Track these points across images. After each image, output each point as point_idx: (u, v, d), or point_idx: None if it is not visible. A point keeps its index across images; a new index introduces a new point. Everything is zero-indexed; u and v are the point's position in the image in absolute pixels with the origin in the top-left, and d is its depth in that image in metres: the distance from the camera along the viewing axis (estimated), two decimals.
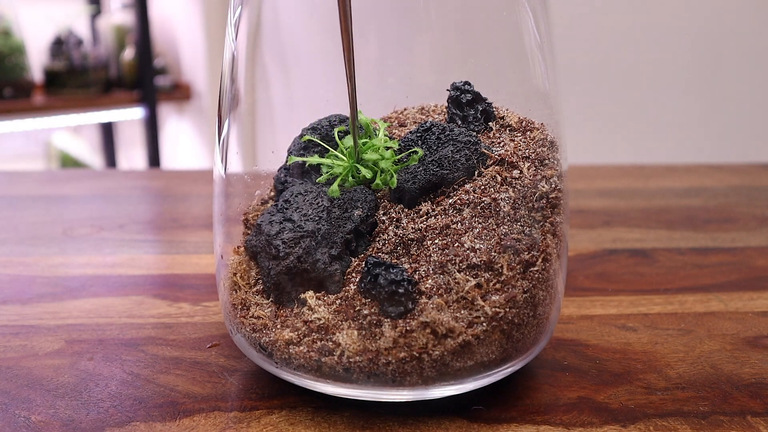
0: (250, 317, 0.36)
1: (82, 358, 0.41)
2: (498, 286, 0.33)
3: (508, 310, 0.33)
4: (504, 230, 0.34)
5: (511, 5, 0.37)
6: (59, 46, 1.98)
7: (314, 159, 0.37)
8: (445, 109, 0.39)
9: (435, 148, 0.36)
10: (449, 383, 0.34)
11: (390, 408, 0.35)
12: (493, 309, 0.33)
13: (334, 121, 0.39)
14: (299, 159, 0.38)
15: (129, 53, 2.08)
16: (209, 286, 0.51)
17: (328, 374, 0.34)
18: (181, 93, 2.21)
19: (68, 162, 2.24)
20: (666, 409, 0.36)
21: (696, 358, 0.41)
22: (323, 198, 0.36)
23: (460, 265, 0.33)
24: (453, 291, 0.33)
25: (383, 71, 0.39)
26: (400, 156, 0.36)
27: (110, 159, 2.34)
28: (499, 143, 0.37)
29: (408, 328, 0.32)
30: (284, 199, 0.36)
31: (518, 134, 0.37)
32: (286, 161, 0.39)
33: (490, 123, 0.38)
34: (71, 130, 2.32)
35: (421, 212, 0.35)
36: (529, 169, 0.35)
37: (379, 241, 0.35)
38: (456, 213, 0.34)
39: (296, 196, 0.36)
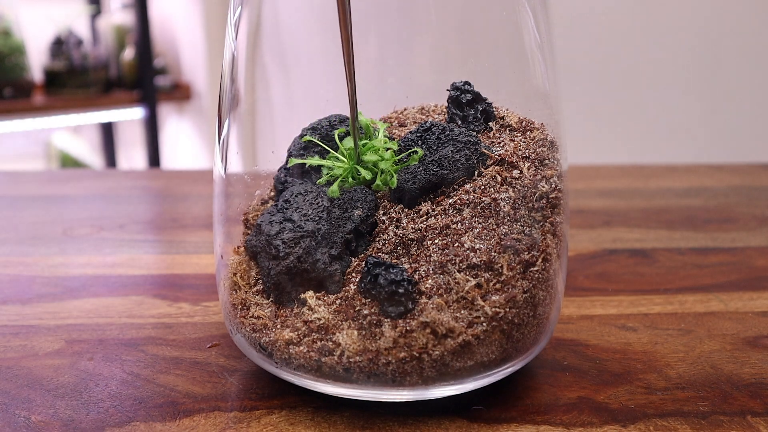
0: (250, 317, 0.36)
1: (82, 358, 0.41)
2: (498, 286, 0.33)
3: (508, 310, 0.33)
4: (504, 230, 0.34)
5: (511, 5, 0.37)
6: (59, 46, 1.98)
7: (315, 160, 0.37)
8: (445, 109, 0.39)
9: (435, 148, 0.36)
10: (449, 383, 0.34)
11: (390, 408, 0.35)
12: (493, 309, 0.33)
13: (334, 121, 0.39)
14: (300, 161, 0.38)
15: (129, 53, 2.08)
16: (209, 286, 0.51)
17: (328, 374, 0.34)
18: (181, 93, 2.21)
19: (68, 162, 2.24)
20: (666, 409, 0.36)
21: (696, 358, 0.41)
22: (323, 198, 0.36)
23: (460, 265, 0.33)
24: (453, 291, 0.33)
25: (383, 71, 0.39)
26: (400, 156, 0.36)
27: (110, 159, 2.34)
28: (499, 143, 0.37)
29: (408, 328, 0.32)
30: (284, 199, 0.36)
31: (518, 134, 0.37)
32: (287, 162, 0.39)
33: (490, 123, 0.38)
34: (71, 130, 2.32)
35: (421, 212, 0.35)
36: (529, 169, 0.35)
37: (379, 241, 0.35)
38: (456, 213, 0.34)
39: (296, 196, 0.36)
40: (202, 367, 0.40)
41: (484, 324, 0.33)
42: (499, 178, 0.35)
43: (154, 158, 2.12)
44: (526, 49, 0.37)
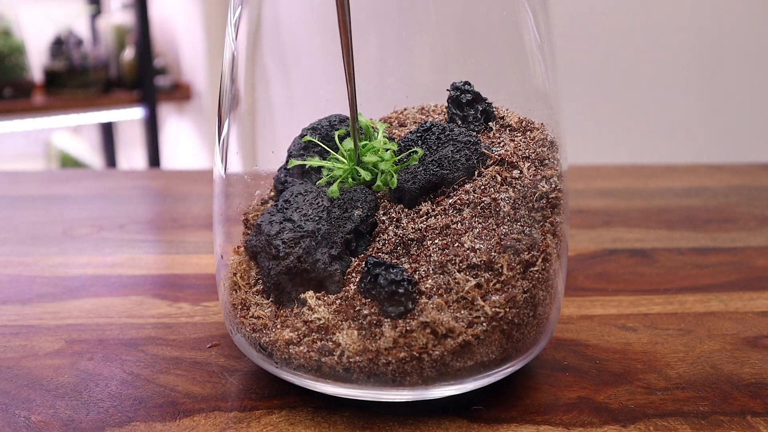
0: (250, 317, 0.36)
1: (82, 358, 0.41)
2: (498, 286, 0.33)
3: (508, 310, 0.33)
4: (504, 230, 0.34)
5: (511, 5, 0.37)
6: (59, 46, 1.98)
7: (315, 162, 0.37)
8: (445, 109, 0.39)
9: (435, 148, 0.36)
10: (449, 383, 0.34)
11: (390, 408, 0.35)
12: (493, 309, 0.33)
13: (334, 121, 0.39)
14: (300, 162, 0.38)
15: (129, 53, 2.08)
16: (209, 286, 0.51)
17: (328, 374, 0.34)
18: (181, 93, 2.21)
19: (68, 162, 2.24)
20: (666, 409, 0.36)
21: (696, 358, 0.41)
22: (323, 198, 0.36)
23: (460, 265, 0.33)
24: (453, 291, 0.33)
25: (383, 71, 0.39)
26: (400, 156, 0.36)
27: (110, 159, 2.34)
28: (499, 143, 0.37)
29: (408, 328, 0.32)
30: (284, 199, 0.36)
31: (518, 134, 0.37)
32: (287, 162, 0.39)
33: (490, 123, 0.38)
34: (71, 130, 2.32)
35: (421, 212, 0.35)
36: (529, 169, 0.35)
37: (379, 241, 0.35)
38: (456, 213, 0.34)
39: (296, 196, 0.36)
40: (202, 367, 0.40)
41: (484, 324, 0.33)
42: (499, 178, 0.35)
43: (154, 158, 2.12)
44: (526, 49, 0.37)
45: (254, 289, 0.36)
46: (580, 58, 1.65)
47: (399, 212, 0.35)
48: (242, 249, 0.38)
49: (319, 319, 0.34)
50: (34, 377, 0.39)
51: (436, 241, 0.34)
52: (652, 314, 0.47)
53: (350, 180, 0.36)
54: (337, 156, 0.37)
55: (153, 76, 2.07)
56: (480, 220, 0.34)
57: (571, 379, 0.38)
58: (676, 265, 0.56)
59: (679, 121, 1.72)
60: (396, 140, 0.38)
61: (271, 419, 0.35)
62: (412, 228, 0.34)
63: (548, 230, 0.35)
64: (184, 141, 2.32)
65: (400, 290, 0.32)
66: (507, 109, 0.38)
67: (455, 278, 0.33)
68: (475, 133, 0.37)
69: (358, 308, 0.33)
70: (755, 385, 0.38)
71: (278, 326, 0.35)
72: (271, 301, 0.36)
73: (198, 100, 2.18)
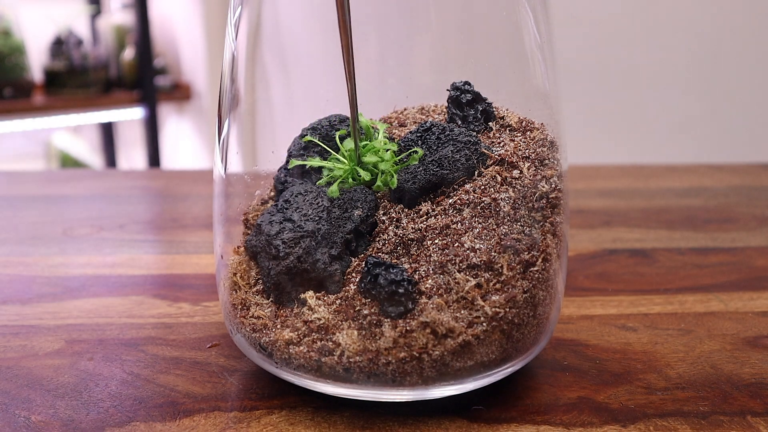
0: (250, 317, 0.36)
1: (82, 358, 0.41)
2: (498, 286, 0.33)
3: (508, 310, 0.33)
4: (504, 230, 0.34)
5: (511, 5, 0.37)
6: (59, 46, 1.98)
7: (315, 162, 0.37)
8: (445, 109, 0.39)
9: (435, 148, 0.36)
10: (449, 383, 0.34)
11: (390, 408, 0.35)
12: (493, 309, 0.33)
13: (334, 121, 0.39)
14: (301, 162, 0.38)
15: (129, 53, 2.08)
16: (209, 286, 0.51)
17: (328, 374, 0.34)
18: (181, 93, 2.21)
19: (68, 162, 2.24)
20: (666, 409, 0.36)
21: (696, 358, 0.41)
22: (323, 198, 0.36)
23: (460, 265, 0.33)
24: (453, 291, 0.33)
25: (383, 71, 0.39)
26: (401, 156, 0.36)
27: (110, 159, 2.34)
28: (499, 143, 0.37)
29: (408, 328, 0.32)
30: (284, 199, 0.36)
31: (518, 134, 0.37)
32: (287, 162, 0.39)
33: (490, 123, 0.38)
34: (71, 130, 2.32)
35: (421, 212, 0.35)
36: (529, 169, 0.35)
37: (379, 241, 0.35)
38: (456, 213, 0.34)
39: (296, 196, 0.36)
40: (202, 367, 0.40)
41: (484, 324, 0.33)
42: (499, 178, 0.35)
43: (154, 158, 2.12)
44: (526, 49, 0.37)
45: (254, 289, 0.36)
46: (580, 58, 1.65)
47: (399, 212, 0.35)
48: (242, 249, 0.38)
49: (319, 319, 0.34)
50: (34, 377, 0.39)
51: (436, 241, 0.34)
52: (652, 314, 0.47)
53: (350, 180, 0.36)
54: (338, 156, 0.37)
55: (153, 76, 2.07)
56: (480, 220, 0.34)
57: (571, 379, 0.38)
58: (676, 265, 0.56)
59: (679, 121, 1.72)
60: (396, 140, 0.38)
61: (271, 419, 0.35)
62: (412, 228, 0.34)
63: (548, 230, 0.35)
64: (184, 141, 2.32)
65: (400, 290, 0.32)
66: (507, 109, 0.38)
67: (455, 278, 0.33)
68: (475, 133, 0.37)
69: (358, 308, 0.33)
70: (755, 385, 0.38)
71: (278, 326, 0.35)
72: (271, 301, 0.36)
73: (198, 100, 2.18)
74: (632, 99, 1.71)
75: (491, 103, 0.38)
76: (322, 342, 0.33)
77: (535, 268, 0.34)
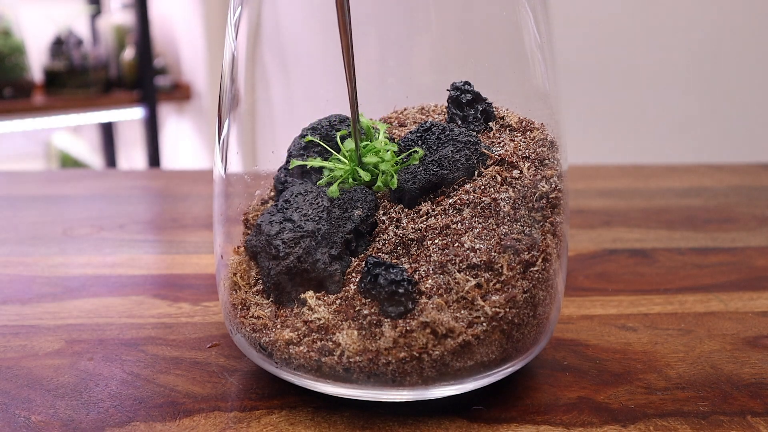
0: (250, 317, 0.36)
1: (82, 358, 0.41)
2: (498, 286, 0.33)
3: (508, 310, 0.33)
4: (504, 230, 0.34)
5: (511, 5, 0.37)
6: (59, 46, 1.98)
7: (316, 162, 0.37)
8: (445, 109, 0.39)
9: (435, 148, 0.36)
10: (449, 383, 0.34)
11: (390, 408, 0.35)
12: (493, 309, 0.33)
13: (334, 121, 0.39)
14: (302, 162, 0.38)
15: (129, 53, 2.08)
16: (209, 286, 0.51)
17: (328, 374, 0.34)
18: (181, 93, 2.21)
19: (68, 162, 2.24)
20: (666, 409, 0.36)
21: (696, 358, 0.41)
22: (323, 198, 0.36)
23: (460, 265, 0.33)
24: (453, 291, 0.33)
25: (383, 71, 0.39)
26: (401, 157, 0.36)
27: (110, 159, 2.34)
28: (499, 143, 0.37)
29: (408, 328, 0.32)
30: (284, 199, 0.36)
31: (518, 134, 0.37)
32: (288, 163, 0.39)
33: (490, 123, 0.38)
34: (71, 130, 2.32)
35: (421, 212, 0.35)
36: (529, 169, 0.35)
37: (379, 241, 0.35)
38: (456, 213, 0.34)
39: (296, 196, 0.36)
40: (202, 367, 0.40)
41: (484, 324, 0.33)
42: (499, 178, 0.35)
43: (154, 158, 2.12)
44: (526, 49, 0.37)
45: (254, 289, 0.36)
46: (580, 58, 1.65)
47: (399, 212, 0.35)
48: (242, 249, 0.38)
49: (319, 319, 0.34)
50: (34, 377, 0.39)
51: (436, 241, 0.34)
52: (652, 314, 0.47)
53: (350, 180, 0.36)
54: (339, 156, 0.37)
55: (153, 76, 2.07)
56: (480, 220, 0.34)
57: (571, 379, 0.38)
58: (676, 265, 0.56)
59: (679, 121, 1.72)
60: (396, 140, 0.38)
61: (271, 419, 0.35)
62: (412, 228, 0.34)
63: (548, 230, 0.35)
64: (184, 141, 2.32)
65: (400, 290, 0.32)
66: (507, 109, 0.38)
67: (455, 278, 0.33)
68: (475, 133, 0.37)
69: (358, 308, 0.33)
70: (755, 385, 0.38)
71: (278, 326, 0.35)
72: (271, 301, 0.36)
73: (198, 100, 2.18)
74: (632, 99, 1.71)
75: (491, 103, 0.38)
76: (322, 342, 0.33)
77: (535, 268, 0.34)
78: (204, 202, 0.75)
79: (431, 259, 0.33)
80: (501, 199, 0.34)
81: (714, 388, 0.38)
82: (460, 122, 0.37)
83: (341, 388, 0.34)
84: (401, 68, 0.39)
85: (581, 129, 1.63)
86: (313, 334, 0.34)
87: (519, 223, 0.34)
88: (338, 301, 0.34)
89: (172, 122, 2.37)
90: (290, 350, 0.34)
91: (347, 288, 0.34)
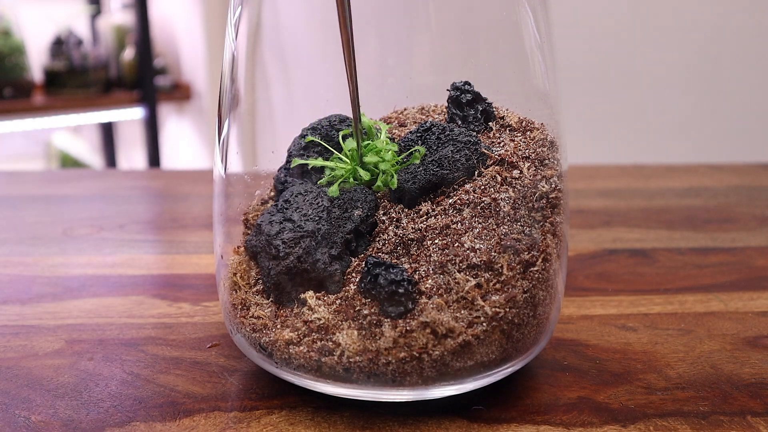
0: (250, 317, 0.36)
1: (82, 358, 0.41)
2: (498, 286, 0.33)
3: (508, 310, 0.33)
4: (504, 230, 0.34)
5: (511, 5, 0.37)
6: (59, 46, 1.98)
7: (318, 162, 0.37)
8: (445, 109, 0.39)
9: (435, 148, 0.36)
10: (449, 383, 0.34)
11: (390, 408, 0.35)
12: (493, 309, 0.33)
13: (335, 121, 0.39)
14: (303, 162, 0.38)
15: (129, 53, 2.08)
16: (209, 286, 0.51)
17: (328, 374, 0.34)
18: (181, 93, 2.21)
19: (68, 162, 2.24)
20: (666, 409, 0.36)
21: (696, 358, 0.41)
22: (323, 198, 0.36)
23: (460, 265, 0.33)
24: (453, 291, 0.33)
25: (383, 71, 0.39)
26: (401, 157, 0.36)
27: (110, 159, 2.34)
28: (499, 143, 0.37)
29: (408, 328, 0.32)
30: (284, 199, 0.36)
31: (518, 134, 0.37)
32: (289, 163, 0.39)
33: (490, 123, 0.38)
34: (71, 130, 2.32)
35: (421, 212, 0.35)
36: (529, 169, 0.35)
37: (379, 241, 0.35)
38: (456, 213, 0.34)
39: (296, 196, 0.36)
40: (202, 367, 0.40)
41: (484, 324, 0.33)
42: (499, 178, 0.35)
43: (154, 158, 2.12)
44: (526, 49, 0.37)
45: (254, 289, 0.36)
46: (580, 58, 1.65)
47: (399, 212, 0.35)
48: (242, 249, 0.38)
49: (319, 319, 0.34)
50: (34, 377, 0.39)
51: (436, 241, 0.34)
52: (652, 314, 0.47)
53: (351, 180, 0.36)
54: (340, 156, 0.37)
55: (153, 76, 2.07)
56: (480, 220, 0.34)
57: (571, 379, 0.38)
58: (676, 265, 0.56)
59: (679, 121, 1.72)
60: (396, 140, 0.38)
61: (271, 419, 0.35)
62: (412, 228, 0.34)
63: (548, 230, 0.35)
64: (184, 141, 2.32)
65: (400, 290, 0.32)
66: (507, 109, 0.38)
67: (455, 278, 0.33)
68: (475, 133, 0.37)
69: (358, 308, 0.33)
70: (755, 385, 0.38)
71: (278, 326, 0.35)
72: (271, 301, 0.36)
73: (198, 100, 2.18)
74: (632, 99, 1.71)
75: (491, 103, 0.38)
76: (322, 342, 0.33)
77: (535, 268, 0.34)
78: (204, 202, 0.75)
79: (431, 259, 0.33)
80: (501, 199, 0.34)
81: (714, 388, 0.38)
82: (460, 122, 0.37)
83: (341, 388, 0.34)
84: (401, 68, 0.39)
85: (581, 129, 1.63)
86: (313, 334, 0.34)
87: (519, 223, 0.34)
88: (338, 301, 0.34)
89: (172, 122, 2.37)
90: (290, 350, 0.34)
91: (347, 288, 0.34)
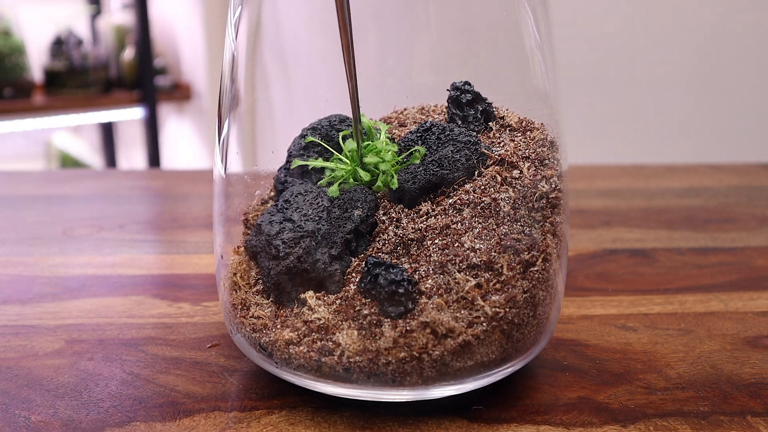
0: (250, 317, 0.36)
1: (82, 358, 0.41)
2: (498, 286, 0.33)
3: (508, 310, 0.33)
4: (504, 230, 0.34)
5: (511, 5, 0.37)
6: (59, 46, 1.98)
7: (318, 163, 0.37)
8: (445, 109, 0.39)
9: (435, 148, 0.36)
10: (449, 383, 0.34)
11: (390, 408, 0.35)
12: (493, 309, 0.33)
13: (335, 121, 0.39)
14: (303, 162, 0.38)
15: (129, 53, 2.08)
16: (209, 286, 0.51)
17: (328, 374, 0.34)
18: (181, 93, 2.21)
19: (68, 162, 2.24)
20: (666, 409, 0.36)
21: (696, 358, 0.41)
22: (323, 198, 0.36)
23: (460, 265, 0.33)
24: (453, 291, 0.33)
25: (383, 71, 0.39)
26: (402, 157, 0.36)
27: (110, 159, 2.34)
28: (499, 143, 0.37)
29: (408, 328, 0.32)
30: (284, 199, 0.36)
31: (518, 134, 0.37)
32: (289, 163, 0.39)
33: (490, 123, 0.38)
34: (71, 130, 2.32)
35: (421, 212, 0.35)
36: (529, 169, 0.35)
37: (379, 241, 0.35)
38: (456, 213, 0.34)
39: (296, 196, 0.36)
40: (202, 367, 0.40)
41: (484, 324, 0.33)
42: (499, 178, 0.35)
43: (154, 158, 2.12)
44: (526, 49, 0.37)
45: (254, 289, 0.36)
46: (580, 58, 1.65)
47: (399, 212, 0.35)
48: (242, 249, 0.38)
49: (319, 319, 0.34)
50: (34, 377, 0.39)
51: (436, 241, 0.34)
52: (652, 314, 0.47)
53: (351, 180, 0.36)
54: (341, 156, 0.37)
55: (153, 76, 2.07)
56: (480, 220, 0.34)
57: (571, 379, 0.38)
58: (676, 265, 0.56)
59: (679, 121, 1.72)
60: (396, 140, 0.38)
61: (271, 419, 0.35)
62: (412, 228, 0.34)
63: (548, 230, 0.35)
64: (184, 141, 2.32)
65: (400, 290, 0.32)
66: (507, 109, 0.38)
67: (455, 278, 0.33)
68: (475, 133, 0.37)
69: (358, 308, 0.33)
70: (755, 385, 0.38)
71: (278, 326, 0.35)
72: (271, 301, 0.36)
73: (198, 100, 2.18)
74: (632, 99, 1.71)
75: (491, 103, 0.38)
76: (322, 342, 0.33)
77: (535, 268, 0.34)
78: (204, 202, 0.75)
79: (431, 259, 0.33)
80: (501, 199, 0.34)
81: (714, 388, 0.38)
82: (460, 122, 0.37)
83: (341, 388, 0.34)
84: (401, 68, 0.39)
85: (581, 129, 1.63)
86: (313, 334, 0.34)
87: (519, 223, 0.34)
88: (338, 301, 0.34)
89: (172, 122, 2.37)
90: (290, 350, 0.34)
91: (347, 288, 0.34)
